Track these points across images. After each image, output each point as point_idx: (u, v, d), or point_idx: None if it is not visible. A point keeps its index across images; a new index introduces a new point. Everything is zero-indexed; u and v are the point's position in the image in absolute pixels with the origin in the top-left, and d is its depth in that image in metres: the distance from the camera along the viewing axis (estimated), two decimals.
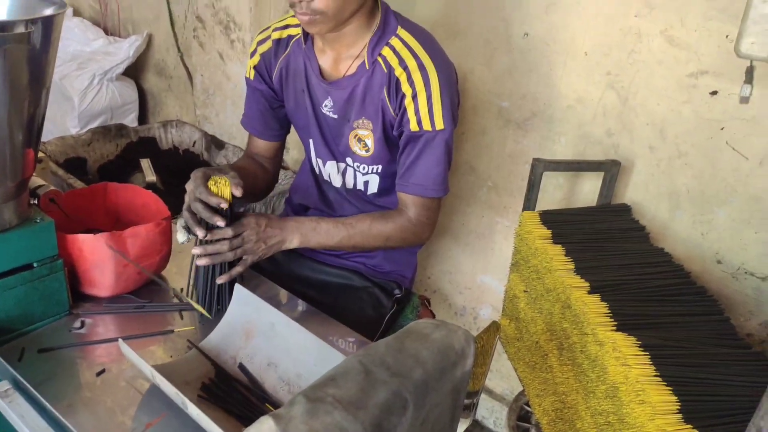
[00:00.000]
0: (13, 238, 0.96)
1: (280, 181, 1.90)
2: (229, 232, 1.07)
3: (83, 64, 2.42)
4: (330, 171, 1.33)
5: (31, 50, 0.84)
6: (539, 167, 1.31)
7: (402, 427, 0.70)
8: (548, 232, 1.22)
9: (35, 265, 1.00)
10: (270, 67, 1.29)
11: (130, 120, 2.60)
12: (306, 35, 1.23)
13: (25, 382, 0.86)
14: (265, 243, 1.13)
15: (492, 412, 1.86)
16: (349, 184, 1.32)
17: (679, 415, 0.84)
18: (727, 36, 1.19)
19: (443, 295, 1.87)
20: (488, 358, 1.06)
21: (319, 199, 1.39)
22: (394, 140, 1.22)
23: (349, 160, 1.28)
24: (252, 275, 1.25)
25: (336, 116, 1.24)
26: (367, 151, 1.24)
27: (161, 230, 1.14)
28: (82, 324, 1.06)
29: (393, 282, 1.38)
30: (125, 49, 2.45)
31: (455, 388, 0.81)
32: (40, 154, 1.48)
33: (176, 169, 2.11)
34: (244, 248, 1.10)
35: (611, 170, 1.34)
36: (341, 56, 1.20)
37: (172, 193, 2.04)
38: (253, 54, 1.30)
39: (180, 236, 1.10)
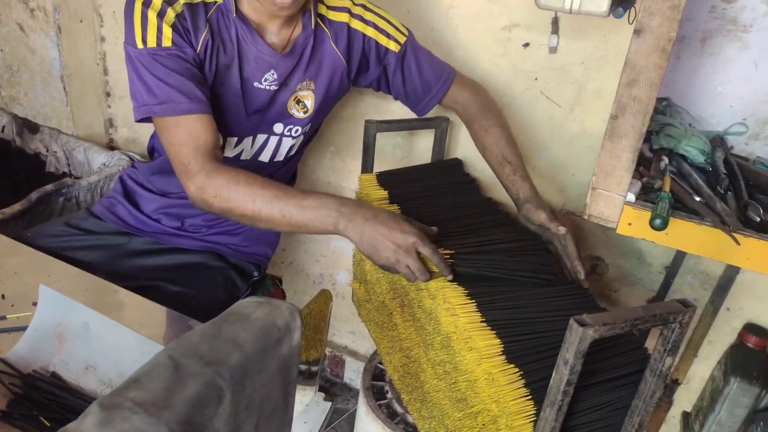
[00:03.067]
0: None
1: (108, 162, 1.74)
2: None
3: None
4: (242, 147, 1.24)
5: None
6: (372, 128, 1.30)
7: (219, 417, 0.66)
8: (385, 193, 1.22)
9: None
10: (189, 32, 1.06)
11: None
12: (235, 6, 1.09)
13: None
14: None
15: (359, 374, 1.89)
16: (266, 156, 1.27)
17: (503, 357, 0.89)
18: None
19: (299, 266, 1.85)
20: (324, 324, 1.05)
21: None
22: (333, 94, 1.25)
23: (278, 126, 1.23)
24: (66, 270, 1.13)
25: (276, 87, 1.18)
26: (305, 112, 1.23)
27: None
28: None
29: (253, 263, 1.33)
30: None
31: (284, 365, 0.79)
32: None
33: None
34: None
35: (441, 126, 1.37)
36: (281, 26, 1.14)
37: None
38: (162, 14, 1.03)
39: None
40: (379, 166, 1.35)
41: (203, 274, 1.27)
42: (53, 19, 1.84)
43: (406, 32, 1.25)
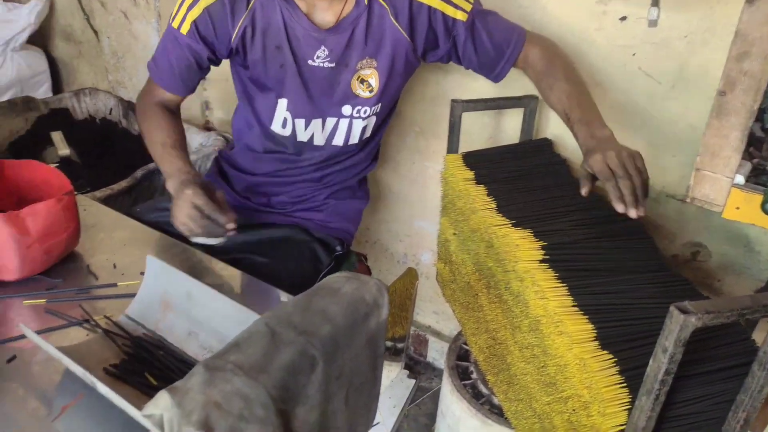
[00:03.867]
0: None
1: (205, 143, 1.83)
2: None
3: None
4: (313, 131, 1.27)
5: None
6: (458, 108, 1.29)
7: (312, 385, 0.69)
8: (471, 173, 1.21)
9: None
10: (219, 26, 1.16)
11: (44, 91, 2.44)
12: None
13: None
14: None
15: (442, 354, 1.89)
16: (339, 140, 1.29)
17: (596, 343, 0.86)
18: None
19: (383, 245, 1.87)
20: (410, 302, 1.06)
21: (270, 159, 1.35)
22: (397, 71, 1.22)
23: (346, 108, 1.24)
24: (171, 243, 1.21)
25: (333, 65, 1.19)
26: (371, 91, 1.23)
27: (64, 206, 1.07)
28: None
29: (337, 238, 1.37)
30: (25, 15, 2.27)
31: (372, 339, 0.80)
32: None
33: (94, 139, 2.01)
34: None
35: (530, 105, 1.33)
36: (330, 2, 1.15)
37: (91, 165, 1.95)
38: (192, 5, 1.15)
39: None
40: (465, 147, 1.33)
41: (289, 247, 1.32)
42: (154, 6, 1.95)
43: None
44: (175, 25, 1.17)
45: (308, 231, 1.36)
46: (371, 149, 1.40)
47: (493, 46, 1.21)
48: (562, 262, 0.98)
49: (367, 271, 1.55)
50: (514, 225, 1.06)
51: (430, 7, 1.17)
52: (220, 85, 1.94)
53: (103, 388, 0.77)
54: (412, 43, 1.20)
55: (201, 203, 1.07)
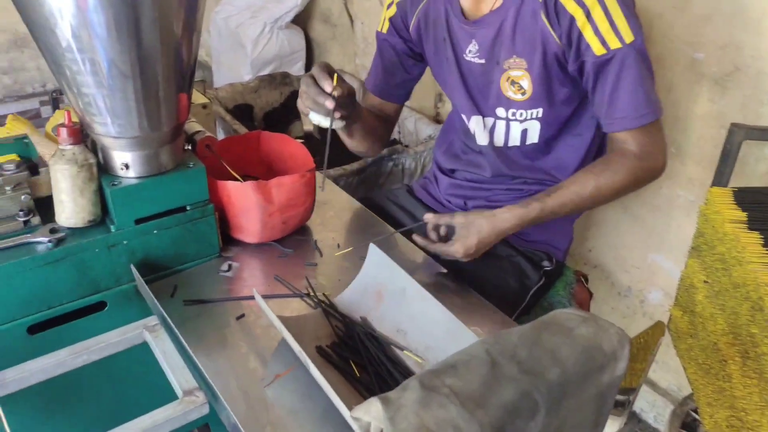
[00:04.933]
0: (168, 181, 1.00)
1: (433, 134, 1.83)
2: (441, 248, 1.07)
3: (256, 12, 2.52)
4: (475, 128, 1.21)
5: None
6: (739, 134, 1.08)
7: None
8: (743, 215, 1.00)
9: (188, 208, 1.04)
10: (406, 18, 1.20)
11: (298, 68, 2.68)
12: None
13: (169, 320, 0.91)
14: (477, 253, 1.08)
15: (653, 407, 1.67)
16: (498, 141, 1.20)
17: None
18: None
19: (605, 272, 1.69)
20: (649, 355, 0.91)
21: (465, 160, 1.30)
22: (555, 77, 1.07)
23: (500, 110, 1.15)
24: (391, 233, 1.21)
25: (483, 61, 1.12)
26: (523, 93, 1.11)
27: (305, 182, 1.13)
28: (229, 267, 1.10)
29: (542, 252, 1.26)
30: None
31: (602, 393, 0.69)
32: (205, 100, 1.56)
33: None
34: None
35: None
36: None
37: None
38: (390, 5, 1.23)
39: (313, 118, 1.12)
40: (735, 181, 1.12)
41: (491, 259, 1.24)
42: None
43: (631, 38, 0.99)
44: (379, 29, 1.26)
45: (509, 243, 1.26)
46: (551, 158, 1.23)
47: (604, 103, 1.04)
48: None
49: (587, 294, 1.41)
50: None
51: (573, 18, 1.00)
52: None
53: (315, 372, 0.78)
54: (560, 45, 1.04)
55: (306, 82, 1.07)
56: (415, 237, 1.08)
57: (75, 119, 0.95)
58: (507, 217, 1.04)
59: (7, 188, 0.95)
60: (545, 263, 1.25)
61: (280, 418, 0.80)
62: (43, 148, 1.10)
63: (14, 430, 0.71)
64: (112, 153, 0.97)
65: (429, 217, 1.08)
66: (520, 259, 1.23)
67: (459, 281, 1.09)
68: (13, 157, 1.18)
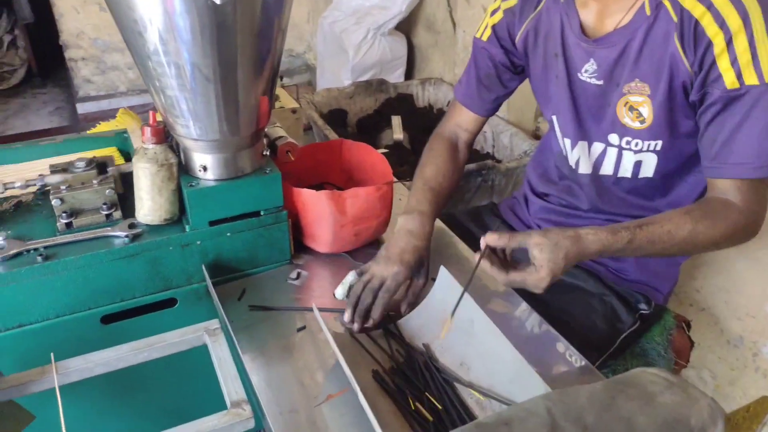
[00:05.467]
0: (244, 185, 1.00)
1: (529, 151, 1.73)
2: (521, 278, 0.88)
3: (361, 18, 2.53)
4: (579, 154, 1.10)
5: None
6: None
7: None
8: None
9: (262, 213, 1.04)
10: (513, 28, 1.11)
11: (397, 75, 2.66)
12: None
13: (228, 325, 0.90)
14: (556, 277, 0.87)
15: None
16: (607, 169, 1.07)
17: None
18: None
19: (714, 317, 1.51)
20: (756, 426, 0.77)
21: (560, 186, 1.19)
22: (680, 106, 0.94)
23: (613, 137, 1.03)
24: (468, 254, 1.14)
25: (600, 82, 1.00)
26: (642, 122, 0.98)
27: (381, 195, 1.09)
28: (298, 275, 1.08)
29: (640, 294, 1.13)
30: (399, 3, 2.48)
31: None
32: (295, 105, 1.57)
33: (427, 127, 2.08)
34: (527, 283, 0.88)
35: None
36: (609, 7, 0.96)
37: (417, 152, 2.03)
38: (495, 11, 1.14)
39: (339, 292, 1.00)
40: None
41: (578, 296, 1.13)
42: None
43: None
44: (478, 35, 1.18)
45: (602, 280, 1.14)
46: (663, 193, 1.09)
47: (718, 142, 0.89)
48: None
49: (688, 343, 1.26)
50: None
51: (711, 42, 0.86)
52: None
53: (363, 401, 0.74)
54: (691, 74, 0.90)
55: (362, 286, 0.95)
56: (485, 264, 0.89)
57: (160, 119, 0.98)
58: (592, 240, 0.88)
59: (94, 182, 0.99)
60: (642, 306, 1.12)
61: None
62: (138, 143, 1.14)
63: (67, 421, 0.72)
64: (192, 154, 0.98)
65: (492, 240, 0.89)
66: (613, 299, 1.11)
67: (537, 315, 1.00)
68: (113, 150, 1.25)
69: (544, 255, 0.85)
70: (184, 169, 1.01)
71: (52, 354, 0.82)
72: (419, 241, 1.02)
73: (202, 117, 0.92)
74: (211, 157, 0.98)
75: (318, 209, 1.06)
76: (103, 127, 1.49)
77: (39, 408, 0.84)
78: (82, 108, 3.53)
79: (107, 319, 0.99)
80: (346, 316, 0.95)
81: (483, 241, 0.89)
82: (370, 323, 0.94)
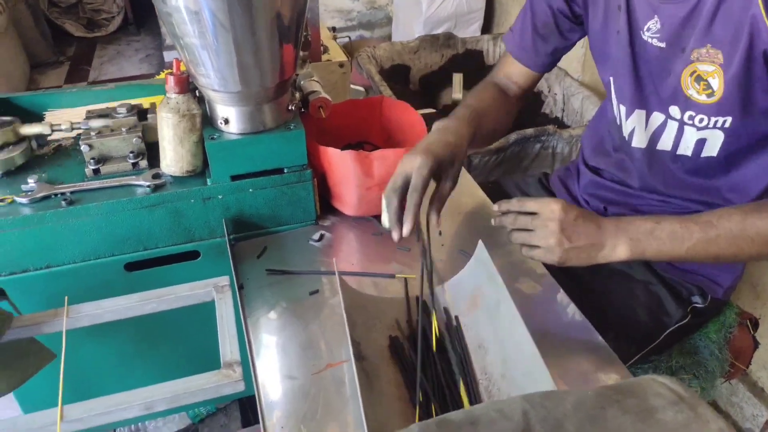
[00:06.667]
0: (266, 140, 0.97)
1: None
2: (526, 205, 0.83)
3: None
4: (633, 125, 0.97)
5: None
6: None
7: None
8: None
9: (285, 170, 1.00)
10: None
11: (473, 30, 2.52)
12: None
13: (235, 282, 0.89)
14: (570, 240, 0.81)
15: None
16: (665, 144, 0.94)
17: None
18: None
19: None
20: None
21: (614, 159, 1.07)
22: (758, 79, 0.80)
23: (674, 109, 0.90)
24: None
25: (663, 44, 0.87)
26: (710, 95, 0.84)
27: None
28: (321, 237, 1.05)
29: (694, 285, 1.00)
30: None
31: None
32: (344, 58, 1.51)
33: None
34: (534, 234, 0.83)
35: None
36: None
37: None
38: None
39: (384, 219, 0.89)
40: None
41: (622, 283, 1.01)
42: None
43: None
44: None
45: (652, 268, 1.02)
46: (726, 177, 0.94)
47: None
48: None
49: (751, 343, 1.12)
50: None
51: None
52: None
53: (354, 373, 0.70)
54: None
55: (397, 180, 0.84)
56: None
57: (184, 69, 0.96)
58: (614, 224, 0.82)
59: (123, 129, 0.99)
60: (696, 299, 1.00)
61: (311, 413, 0.73)
62: None
63: (67, 365, 0.74)
64: (215, 106, 0.96)
65: (504, 205, 0.85)
66: (660, 288, 1.00)
67: (567, 298, 0.91)
68: (161, 98, 1.25)
69: (555, 206, 0.81)
70: (208, 122, 0.99)
71: (66, 297, 0.84)
72: (452, 137, 0.89)
73: (222, 67, 0.89)
74: (233, 110, 0.95)
75: (343, 169, 1.01)
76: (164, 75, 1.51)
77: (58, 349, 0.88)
78: (168, 56, 3.64)
79: (131, 266, 1.01)
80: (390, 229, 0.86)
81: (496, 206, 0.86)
82: (406, 230, 0.83)
